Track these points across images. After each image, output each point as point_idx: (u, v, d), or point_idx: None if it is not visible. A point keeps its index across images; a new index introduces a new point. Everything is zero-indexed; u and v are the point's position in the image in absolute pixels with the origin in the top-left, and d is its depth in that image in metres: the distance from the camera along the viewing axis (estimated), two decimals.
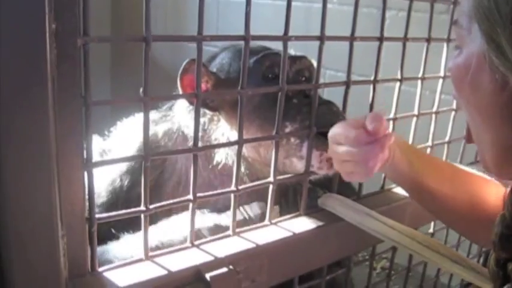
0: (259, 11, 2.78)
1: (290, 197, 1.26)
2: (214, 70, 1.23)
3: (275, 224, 1.06)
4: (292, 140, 1.11)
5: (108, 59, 3.69)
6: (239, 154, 0.96)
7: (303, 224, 1.07)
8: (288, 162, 1.14)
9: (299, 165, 1.13)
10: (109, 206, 1.24)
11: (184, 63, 1.13)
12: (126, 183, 1.26)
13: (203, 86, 1.18)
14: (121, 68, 3.65)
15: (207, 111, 1.22)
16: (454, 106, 1.43)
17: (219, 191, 0.99)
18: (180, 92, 1.12)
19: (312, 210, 1.12)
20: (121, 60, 3.68)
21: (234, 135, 1.16)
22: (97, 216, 0.83)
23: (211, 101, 1.21)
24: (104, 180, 1.26)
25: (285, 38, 0.94)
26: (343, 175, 1.02)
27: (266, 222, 1.06)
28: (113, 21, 3.79)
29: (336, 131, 0.98)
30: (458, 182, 1.10)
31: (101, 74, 3.40)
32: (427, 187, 1.05)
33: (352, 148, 0.94)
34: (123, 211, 0.86)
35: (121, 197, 1.26)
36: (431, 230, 1.49)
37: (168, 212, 1.08)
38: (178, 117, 1.28)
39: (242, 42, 0.90)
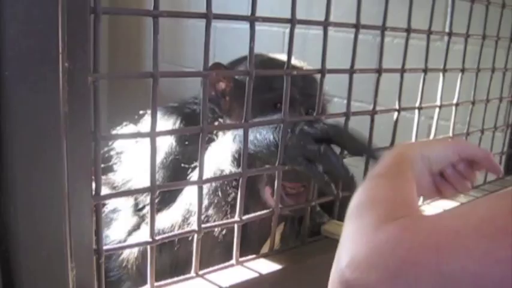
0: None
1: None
2: (236, 76, 1.32)
3: (278, 253, 1.07)
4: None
5: (105, 88, 3.72)
6: (243, 186, 0.97)
7: (305, 253, 1.09)
8: None
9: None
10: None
11: (209, 66, 1.22)
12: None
13: (222, 85, 1.32)
14: (118, 97, 3.68)
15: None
16: (451, 133, 1.46)
17: (222, 221, 1.01)
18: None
19: (315, 238, 1.13)
20: (118, 89, 3.71)
21: None
22: (105, 247, 0.85)
23: (224, 104, 1.33)
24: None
25: (287, 72, 0.97)
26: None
27: (269, 251, 1.07)
28: (110, 54, 3.84)
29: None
30: None
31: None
32: None
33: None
34: (131, 243, 0.87)
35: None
36: None
37: None
38: None
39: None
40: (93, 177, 0.80)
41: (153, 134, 0.83)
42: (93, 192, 0.81)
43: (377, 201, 0.71)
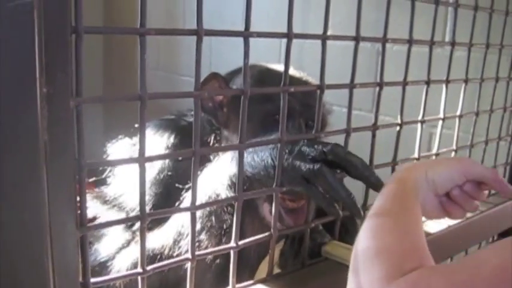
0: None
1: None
2: (234, 87, 1.28)
3: (277, 278, 1.02)
4: None
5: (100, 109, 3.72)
6: (239, 210, 0.92)
7: (305, 276, 1.03)
8: None
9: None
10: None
11: (207, 76, 1.19)
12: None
13: (220, 96, 1.28)
14: (113, 109, 3.64)
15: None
16: (454, 146, 1.41)
17: (218, 247, 0.96)
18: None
19: (315, 260, 1.08)
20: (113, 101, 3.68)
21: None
22: (92, 280, 0.80)
23: (221, 115, 1.28)
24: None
25: (284, 89, 0.92)
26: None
27: (267, 276, 1.02)
28: (105, 70, 3.80)
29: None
30: None
31: (93, 111, 3.42)
32: None
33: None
34: (121, 274, 0.83)
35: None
36: None
37: None
38: None
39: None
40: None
41: (141, 160, 0.78)
42: (79, 223, 0.75)
43: (384, 251, 0.67)
